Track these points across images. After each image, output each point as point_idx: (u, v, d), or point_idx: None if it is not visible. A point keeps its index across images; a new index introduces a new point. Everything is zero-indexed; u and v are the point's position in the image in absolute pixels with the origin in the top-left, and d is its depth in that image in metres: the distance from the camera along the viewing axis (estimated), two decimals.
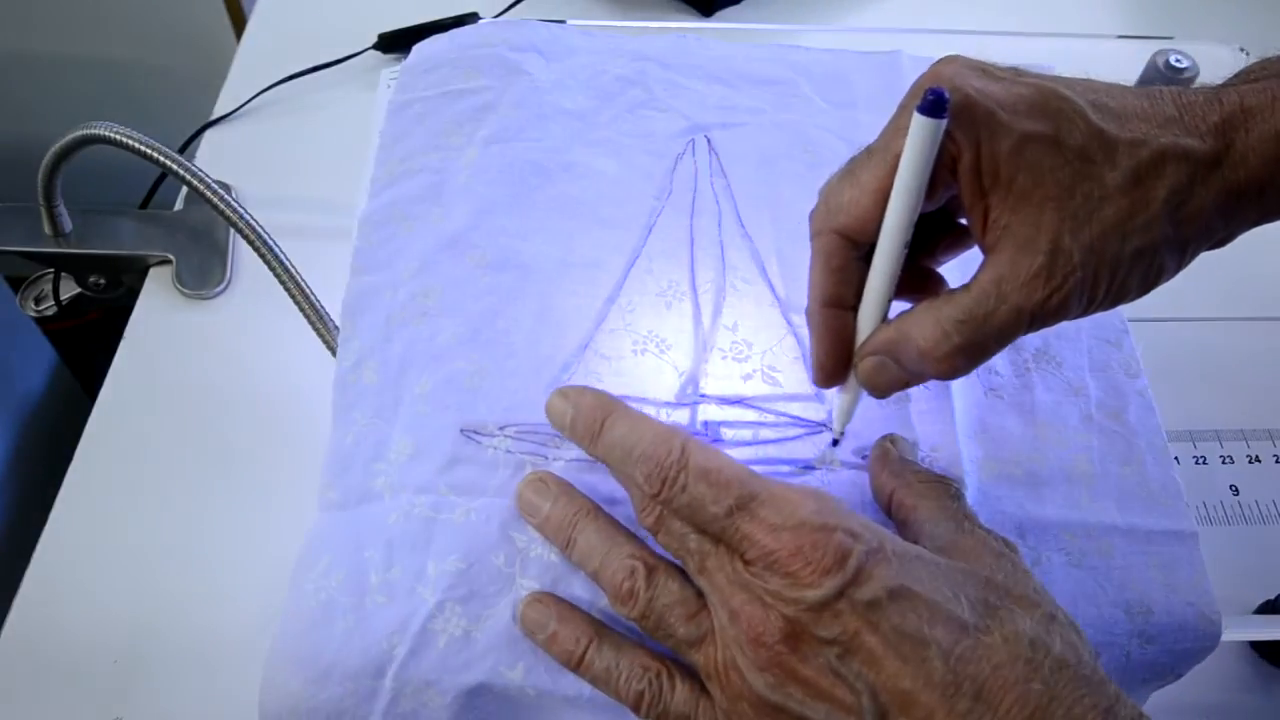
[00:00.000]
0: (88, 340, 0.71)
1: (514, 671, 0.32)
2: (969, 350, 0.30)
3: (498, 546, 0.33)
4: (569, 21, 0.66)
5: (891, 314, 0.32)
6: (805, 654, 0.27)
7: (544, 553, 0.33)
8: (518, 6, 0.72)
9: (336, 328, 0.47)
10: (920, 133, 0.28)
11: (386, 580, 0.32)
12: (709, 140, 0.45)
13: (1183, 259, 0.31)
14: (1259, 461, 0.49)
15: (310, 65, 0.66)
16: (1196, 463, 0.49)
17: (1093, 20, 0.77)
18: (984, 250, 0.30)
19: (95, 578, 0.45)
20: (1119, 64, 0.67)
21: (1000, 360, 0.40)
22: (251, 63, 0.68)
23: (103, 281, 0.59)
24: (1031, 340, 0.41)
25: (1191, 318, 0.57)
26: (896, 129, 0.29)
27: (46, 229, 0.56)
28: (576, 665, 0.31)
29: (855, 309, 0.32)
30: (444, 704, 0.32)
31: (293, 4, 0.73)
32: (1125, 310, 0.43)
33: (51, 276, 0.72)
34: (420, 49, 0.48)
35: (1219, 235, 0.31)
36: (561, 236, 0.41)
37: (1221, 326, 0.57)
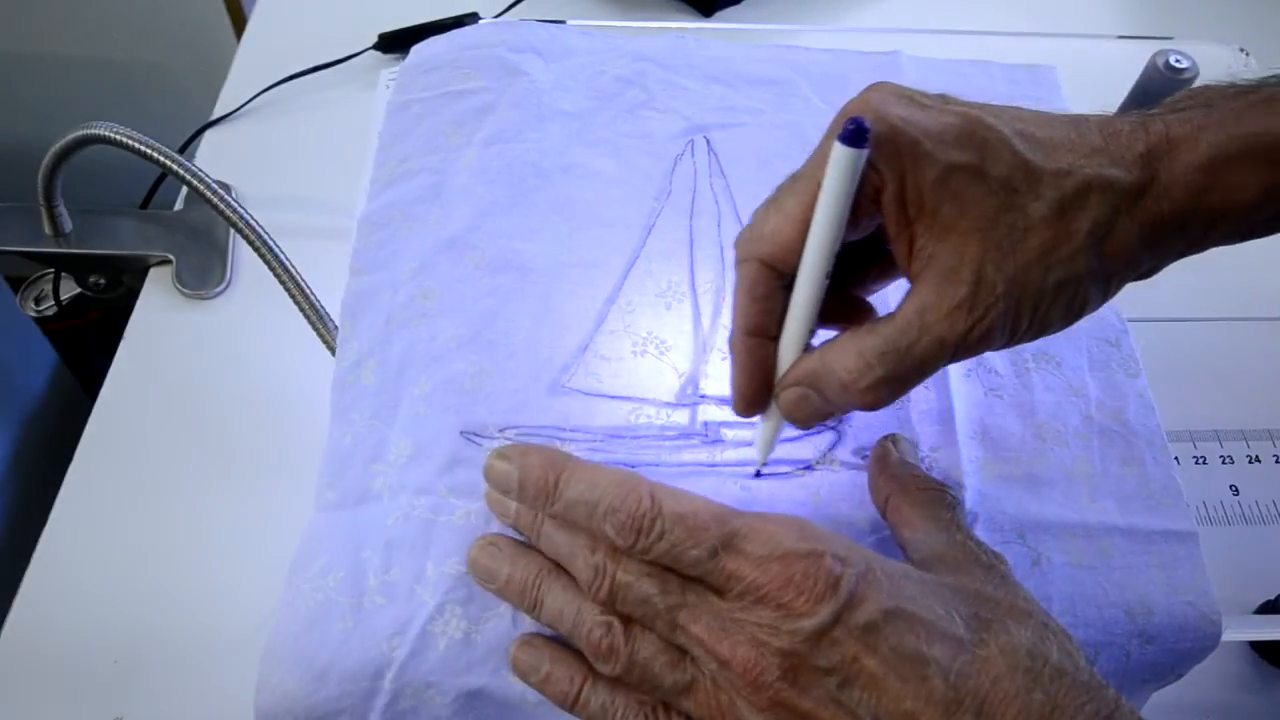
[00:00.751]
0: (88, 340, 0.71)
1: (514, 675, 0.32)
2: (892, 382, 0.29)
3: None
4: (569, 22, 0.66)
5: (821, 342, 0.31)
6: (805, 686, 0.27)
7: None
8: (518, 6, 0.72)
9: (336, 328, 0.47)
10: (841, 162, 0.27)
11: (385, 581, 0.32)
12: (708, 141, 0.45)
13: (1107, 290, 0.30)
14: (1259, 461, 0.49)
15: (310, 65, 0.66)
16: (1196, 463, 0.49)
17: (1093, 20, 0.77)
18: (909, 280, 0.30)
19: (95, 578, 0.45)
20: (1119, 64, 0.67)
21: (1000, 360, 0.40)
22: (251, 63, 0.68)
23: (103, 281, 0.59)
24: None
25: (1191, 318, 0.57)
26: (821, 156, 0.29)
27: (46, 229, 0.56)
28: (572, 705, 0.31)
29: (778, 338, 0.32)
30: (444, 703, 0.32)
31: (293, 4, 0.73)
32: (1125, 310, 0.43)
33: (51, 276, 0.72)
34: (419, 50, 0.48)
35: (1144, 267, 0.30)
36: (561, 237, 0.41)
37: (1222, 326, 0.57)
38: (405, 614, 0.32)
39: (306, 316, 0.47)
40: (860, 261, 0.33)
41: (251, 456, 0.49)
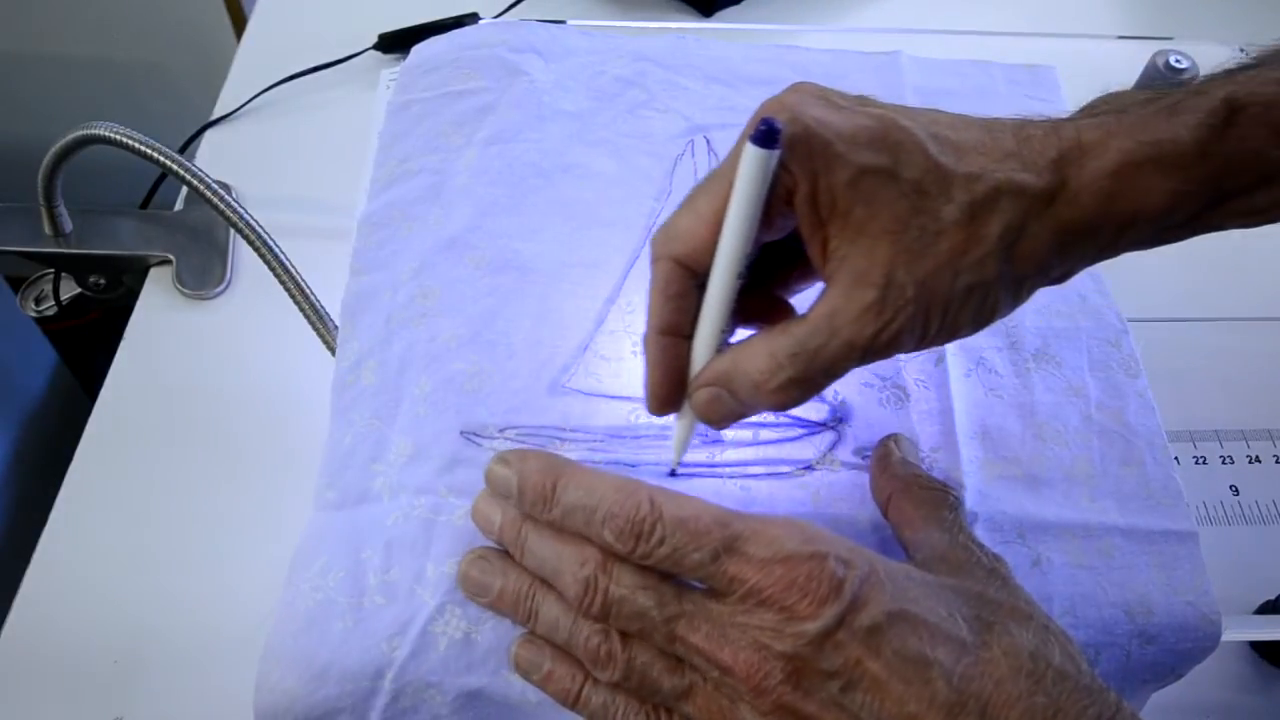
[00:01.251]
0: (88, 340, 0.71)
1: (514, 675, 0.32)
2: (802, 383, 0.29)
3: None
4: (569, 22, 0.66)
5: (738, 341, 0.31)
6: (809, 689, 0.27)
7: None
8: (518, 6, 0.72)
9: (336, 328, 0.47)
10: (752, 163, 0.27)
11: (385, 581, 0.32)
12: (708, 141, 0.45)
13: (1018, 295, 0.30)
14: (1259, 461, 0.49)
15: (310, 65, 0.66)
16: (1196, 463, 0.49)
17: (1093, 20, 0.77)
18: (824, 281, 0.30)
19: (95, 578, 0.45)
20: (1119, 64, 0.67)
21: (1000, 360, 0.40)
22: (251, 63, 0.68)
23: (103, 281, 0.59)
24: (1030, 340, 0.41)
25: (1191, 318, 0.57)
26: (735, 156, 0.28)
27: (46, 229, 0.56)
28: (574, 703, 0.31)
29: (692, 337, 0.31)
30: (444, 702, 0.32)
31: (293, 4, 0.73)
32: (1125, 310, 0.43)
33: (51, 276, 0.72)
34: (419, 50, 0.48)
35: (1056, 272, 0.30)
36: (561, 237, 0.41)
37: (1222, 326, 0.57)
38: (406, 614, 0.32)
39: (306, 316, 0.47)
40: (782, 262, 0.32)
41: (251, 456, 0.49)
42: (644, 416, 0.36)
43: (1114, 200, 0.28)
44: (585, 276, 0.40)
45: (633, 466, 0.35)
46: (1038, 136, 0.29)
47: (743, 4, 0.76)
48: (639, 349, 0.38)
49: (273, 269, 0.47)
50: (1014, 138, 0.29)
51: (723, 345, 0.31)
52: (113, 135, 0.49)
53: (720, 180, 0.29)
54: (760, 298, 0.32)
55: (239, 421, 0.50)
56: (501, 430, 0.36)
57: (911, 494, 0.33)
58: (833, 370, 0.29)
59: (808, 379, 0.29)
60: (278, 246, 0.48)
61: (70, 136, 0.50)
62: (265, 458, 0.49)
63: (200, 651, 0.43)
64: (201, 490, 0.48)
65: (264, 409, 0.51)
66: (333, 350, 0.46)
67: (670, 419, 0.36)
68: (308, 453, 0.49)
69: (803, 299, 0.34)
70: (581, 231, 0.41)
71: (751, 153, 0.27)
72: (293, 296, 0.47)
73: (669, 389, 0.32)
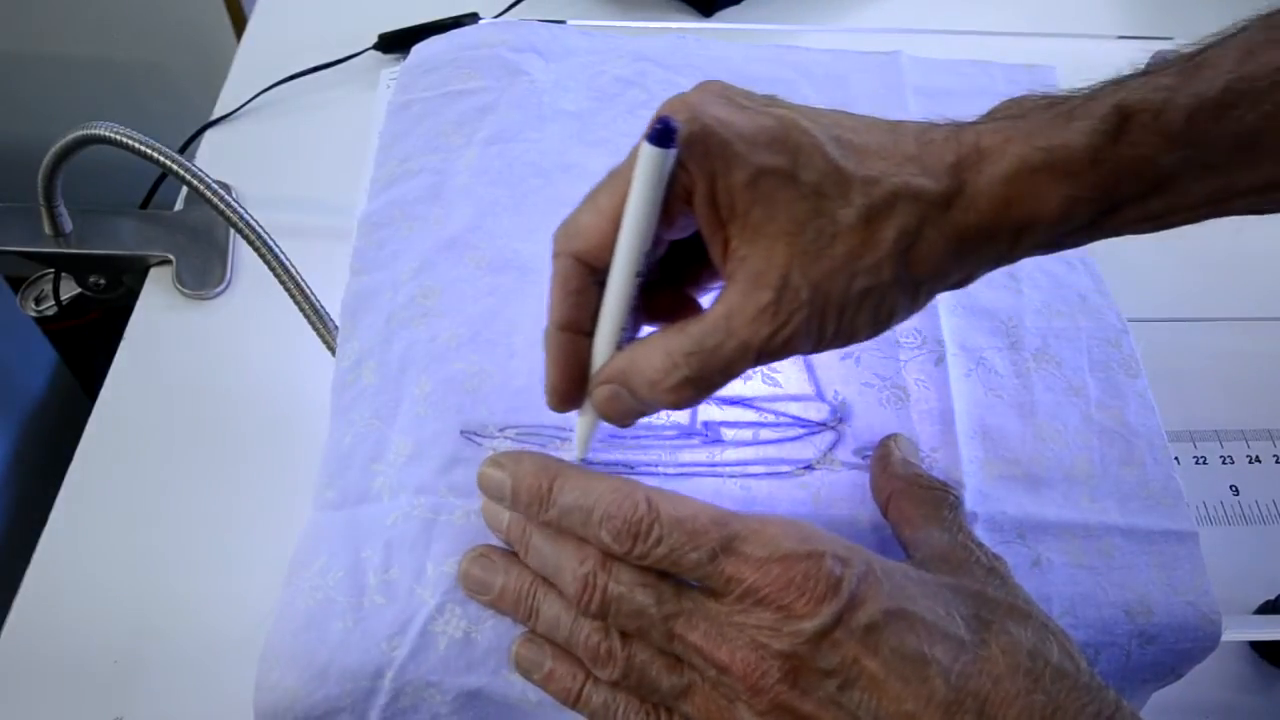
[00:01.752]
0: (88, 340, 0.71)
1: (514, 675, 0.32)
2: (697, 382, 0.29)
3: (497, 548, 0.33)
4: (569, 21, 0.66)
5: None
6: (806, 688, 0.27)
7: None
8: (518, 6, 0.72)
9: (336, 328, 0.47)
10: (648, 162, 0.27)
11: (385, 581, 0.32)
12: None
13: (915, 299, 0.30)
14: (1259, 461, 0.49)
15: (310, 65, 0.66)
16: (1196, 463, 0.49)
17: (1093, 20, 0.77)
18: (724, 280, 0.29)
19: (95, 578, 0.45)
20: (1119, 64, 0.67)
21: (1001, 360, 0.40)
22: (251, 63, 0.68)
23: (103, 281, 0.59)
24: (1031, 340, 0.41)
25: (1192, 318, 0.57)
26: (635, 154, 0.28)
27: (46, 229, 0.56)
28: (574, 703, 0.31)
29: (592, 334, 0.31)
30: (444, 701, 0.32)
31: (293, 4, 0.73)
32: (1125, 310, 0.43)
33: (51, 276, 0.72)
34: (420, 50, 0.48)
35: (954, 277, 0.30)
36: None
37: (1221, 326, 0.57)
38: (405, 614, 0.32)
39: (306, 316, 0.47)
40: (692, 259, 0.32)
41: (251, 456, 0.49)
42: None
43: (1009, 206, 0.28)
44: None
45: (632, 467, 0.35)
46: (938, 140, 0.29)
47: (743, 4, 0.76)
48: None
49: (273, 269, 0.47)
50: (915, 142, 0.29)
51: (624, 342, 0.31)
52: (113, 135, 0.49)
53: (620, 178, 0.29)
54: (669, 295, 0.32)
55: (239, 421, 0.50)
56: (501, 430, 0.36)
57: (912, 493, 0.33)
58: (729, 370, 0.29)
59: (703, 379, 0.29)
60: (278, 246, 0.48)
61: (70, 136, 0.50)
62: (265, 458, 0.49)
63: (200, 651, 0.43)
64: (202, 490, 0.48)
65: (264, 409, 0.51)
66: (333, 350, 0.46)
67: (667, 418, 0.36)
68: (307, 453, 0.49)
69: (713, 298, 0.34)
70: None
71: (648, 151, 0.27)
72: (293, 296, 0.47)
73: (569, 385, 0.31)
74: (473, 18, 0.68)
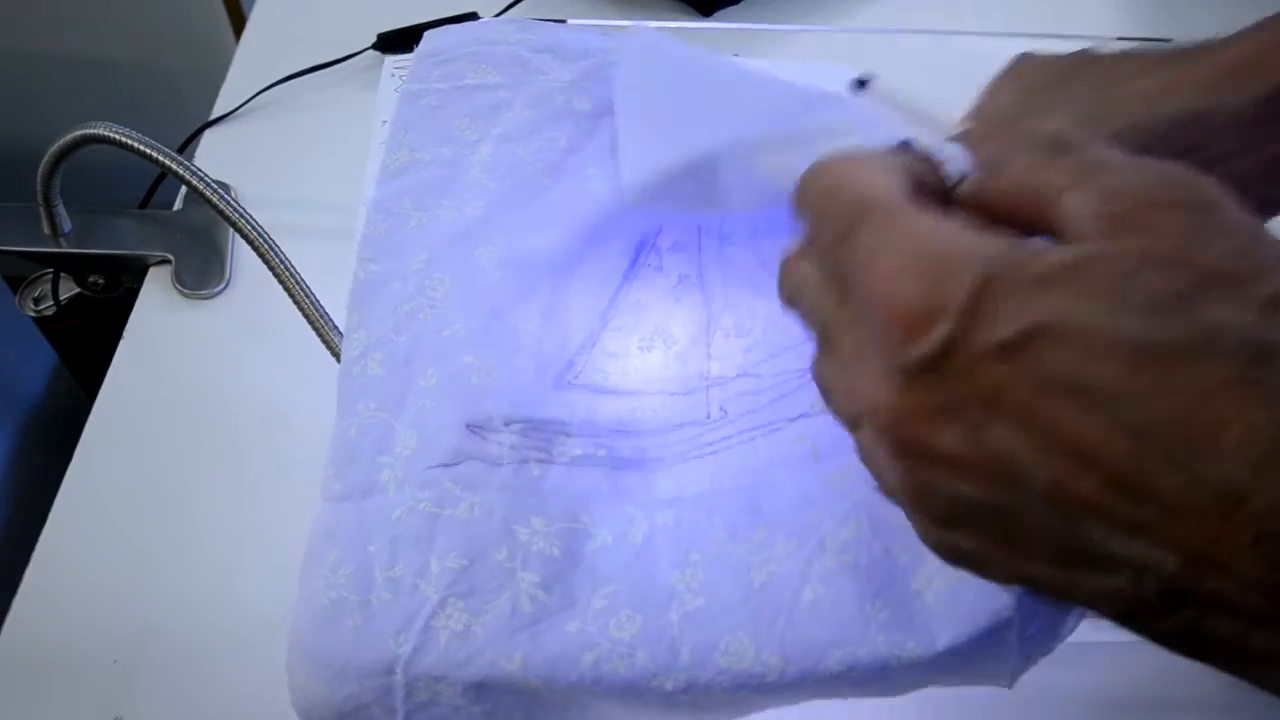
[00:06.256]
0: (88, 340, 0.71)
1: (512, 663, 0.32)
2: None
3: (500, 542, 0.33)
4: (569, 21, 0.66)
5: None
6: (934, 426, 0.21)
7: (545, 547, 0.33)
8: (518, 6, 0.72)
9: (336, 328, 0.47)
10: None
11: (390, 577, 0.33)
12: None
13: None
14: None
15: (310, 65, 0.66)
16: None
17: (1093, 20, 0.77)
18: None
19: (95, 577, 0.45)
20: None
21: None
22: (251, 63, 0.68)
23: (102, 281, 0.59)
24: None
25: None
26: None
27: (46, 229, 0.56)
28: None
29: None
30: (456, 694, 0.32)
31: (292, 4, 0.73)
32: None
33: (51, 276, 0.72)
34: (432, 38, 0.48)
35: None
36: (570, 235, 0.41)
37: None
38: (409, 610, 0.32)
39: (306, 316, 0.47)
40: None
41: (251, 456, 0.49)
42: (649, 410, 0.36)
43: None
44: (594, 273, 0.40)
45: (639, 464, 0.35)
46: None
47: (742, 4, 0.76)
48: (646, 344, 0.38)
49: (272, 269, 0.47)
50: None
51: None
52: (112, 135, 0.49)
53: None
54: None
55: (238, 421, 0.50)
56: (507, 424, 0.36)
57: (1030, 163, 0.24)
58: None
59: None
60: (277, 246, 0.48)
61: (69, 136, 0.50)
62: (264, 458, 0.49)
63: (200, 651, 0.43)
64: (201, 490, 0.48)
65: (263, 409, 0.51)
66: (333, 350, 0.46)
67: (667, 414, 0.36)
68: (307, 452, 0.49)
69: None
70: (591, 229, 0.41)
71: None
72: (292, 296, 0.47)
73: None
74: (472, 17, 0.68)
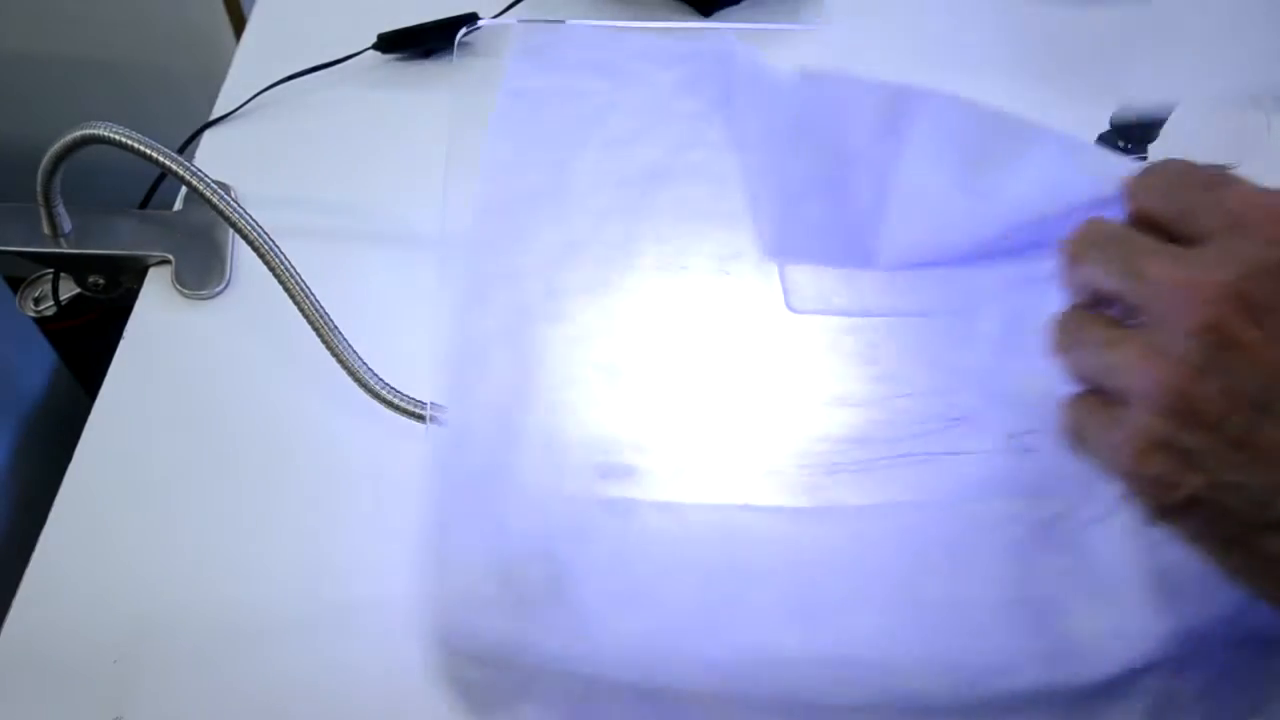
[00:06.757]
0: (88, 340, 0.71)
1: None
2: None
3: None
4: (569, 21, 0.66)
5: None
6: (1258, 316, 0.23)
7: None
8: (517, 6, 0.72)
9: (336, 328, 0.47)
10: None
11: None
12: None
13: None
14: None
15: (310, 65, 0.66)
16: None
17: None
18: None
19: (95, 578, 0.45)
20: None
21: None
22: (251, 63, 0.68)
23: (102, 282, 0.59)
24: None
25: None
26: None
27: (45, 229, 0.56)
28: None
29: None
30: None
31: (292, 4, 0.73)
32: None
33: (51, 277, 0.72)
34: (528, 37, 0.47)
35: None
36: (682, 239, 0.41)
37: None
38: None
39: (306, 317, 0.47)
40: None
41: (251, 457, 0.49)
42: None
43: None
44: (708, 279, 0.40)
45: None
46: None
47: (742, 4, 0.76)
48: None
49: (272, 269, 0.47)
50: None
51: None
52: (112, 135, 0.49)
53: None
54: None
55: (239, 422, 0.50)
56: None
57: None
58: None
59: None
60: (277, 247, 0.48)
61: (69, 136, 0.50)
62: (265, 458, 0.49)
63: (200, 651, 0.43)
64: (201, 490, 0.48)
65: (263, 409, 0.51)
66: (333, 350, 0.46)
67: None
68: (307, 453, 0.49)
69: None
70: (704, 233, 0.42)
71: None
72: (292, 296, 0.47)
73: None
74: (472, 18, 0.68)
